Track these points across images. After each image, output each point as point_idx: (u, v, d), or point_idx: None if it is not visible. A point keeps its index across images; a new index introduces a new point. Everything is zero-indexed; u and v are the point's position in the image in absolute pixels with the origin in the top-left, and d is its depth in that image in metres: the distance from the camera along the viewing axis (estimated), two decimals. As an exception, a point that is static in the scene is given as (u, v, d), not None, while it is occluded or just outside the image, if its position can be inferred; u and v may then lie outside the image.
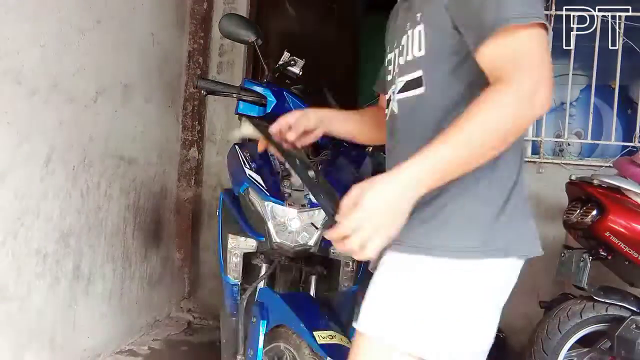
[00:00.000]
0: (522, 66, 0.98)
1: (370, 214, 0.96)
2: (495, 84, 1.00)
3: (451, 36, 1.09)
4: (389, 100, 1.27)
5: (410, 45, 1.16)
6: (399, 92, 1.21)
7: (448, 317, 1.11)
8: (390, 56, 1.28)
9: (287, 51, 1.98)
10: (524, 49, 1.00)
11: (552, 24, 3.25)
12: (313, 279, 1.81)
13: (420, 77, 1.15)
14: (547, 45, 1.04)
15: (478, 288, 1.12)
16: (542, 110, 1.00)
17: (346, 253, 1.07)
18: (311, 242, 1.70)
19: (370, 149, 2.06)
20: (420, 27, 1.14)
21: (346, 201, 0.98)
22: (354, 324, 1.17)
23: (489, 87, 1.01)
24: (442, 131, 1.00)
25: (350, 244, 0.97)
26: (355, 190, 0.98)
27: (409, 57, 1.17)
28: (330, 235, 1.00)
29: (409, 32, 1.17)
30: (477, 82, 1.06)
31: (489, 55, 1.02)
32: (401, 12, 1.26)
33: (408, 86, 1.18)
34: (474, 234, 1.10)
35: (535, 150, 3.31)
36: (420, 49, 1.14)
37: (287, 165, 1.74)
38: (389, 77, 1.28)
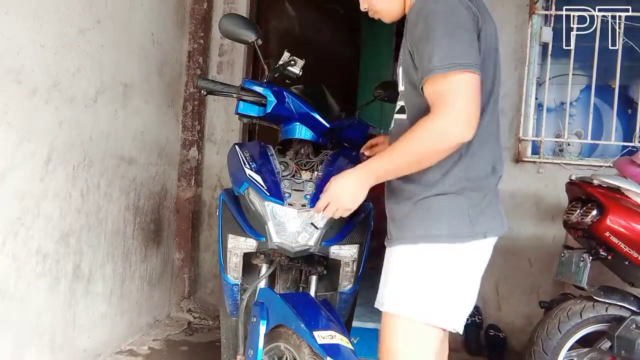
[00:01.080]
0: (442, 105, 1.33)
1: (333, 196, 1.51)
2: (427, 115, 1.37)
3: (414, 76, 1.43)
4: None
5: (399, 80, 1.54)
6: (396, 113, 1.58)
7: (449, 289, 1.47)
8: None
9: (287, 51, 1.98)
10: (443, 92, 1.34)
11: (552, 24, 3.26)
12: (313, 279, 1.81)
13: (403, 106, 1.54)
14: (467, 85, 1.33)
15: (468, 264, 1.49)
16: (457, 140, 1.34)
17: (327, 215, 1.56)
18: (311, 242, 1.69)
19: None
20: (401, 68, 1.52)
21: (325, 188, 1.55)
22: (377, 306, 1.53)
23: (423, 117, 1.37)
24: None
25: (327, 212, 1.55)
26: (330, 180, 1.54)
27: (401, 88, 1.54)
28: (314, 209, 1.60)
29: (399, 70, 1.54)
30: None
31: (425, 94, 1.38)
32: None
33: (400, 110, 1.56)
34: (462, 223, 1.45)
35: (535, 150, 3.31)
36: (402, 85, 1.52)
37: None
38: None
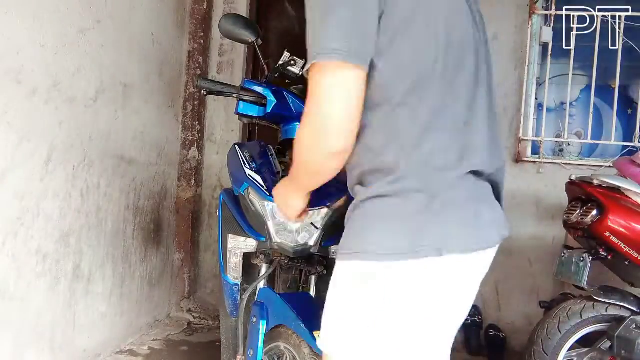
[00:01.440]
0: (306, 111, 1.09)
1: (279, 207, 1.47)
2: None
3: None
4: None
5: None
6: None
7: (388, 323, 1.10)
8: None
9: (287, 51, 1.97)
10: (310, 87, 1.07)
11: (552, 24, 3.25)
12: (313, 279, 1.81)
13: None
14: (334, 79, 1.03)
15: (412, 290, 1.09)
16: (326, 150, 1.07)
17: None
18: (311, 242, 1.69)
19: None
20: None
21: None
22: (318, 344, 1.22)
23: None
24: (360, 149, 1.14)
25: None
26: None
27: None
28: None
29: None
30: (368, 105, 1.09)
31: None
32: None
33: None
34: (400, 234, 1.07)
35: (535, 150, 3.31)
36: None
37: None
38: None
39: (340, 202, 1.69)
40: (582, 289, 2.34)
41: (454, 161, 1.10)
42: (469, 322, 3.12)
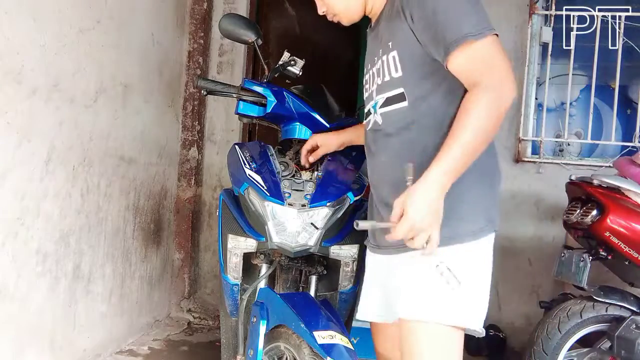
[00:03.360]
0: (485, 71, 1.25)
1: (416, 219, 1.22)
2: (471, 90, 1.27)
3: (422, 56, 1.35)
4: (368, 114, 1.52)
5: (387, 69, 1.42)
6: (381, 107, 1.46)
7: (472, 288, 1.38)
8: (367, 77, 1.54)
9: (287, 51, 1.98)
10: (484, 57, 1.27)
11: (552, 24, 3.26)
12: (313, 279, 1.81)
13: (401, 93, 1.41)
14: (500, 46, 1.29)
15: (484, 260, 1.42)
16: (511, 99, 1.26)
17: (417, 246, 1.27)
18: (311, 242, 1.69)
19: None
20: (393, 53, 1.40)
21: (393, 214, 1.26)
22: (402, 315, 1.40)
23: (467, 94, 1.28)
24: (426, 130, 1.38)
25: (416, 243, 1.25)
26: (397, 203, 1.26)
27: (387, 78, 1.43)
28: (392, 236, 1.27)
29: (384, 58, 1.43)
30: (451, 88, 1.35)
31: (457, 66, 1.29)
32: (370, 39, 1.53)
33: (389, 101, 1.44)
34: (478, 218, 1.39)
35: (535, 150, 3.31)
36: (397, 71, 1.40)
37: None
38: (366, 94, 1.54)
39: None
40: (582, 289, 2.34)
41: (496, 164, 1.50)
42: (469, 322, 3.12)
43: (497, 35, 1.29)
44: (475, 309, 1.41)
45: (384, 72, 1.44)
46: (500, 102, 1.25)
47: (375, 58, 1.48)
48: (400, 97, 1.41)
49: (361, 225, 1.32)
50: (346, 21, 1.54)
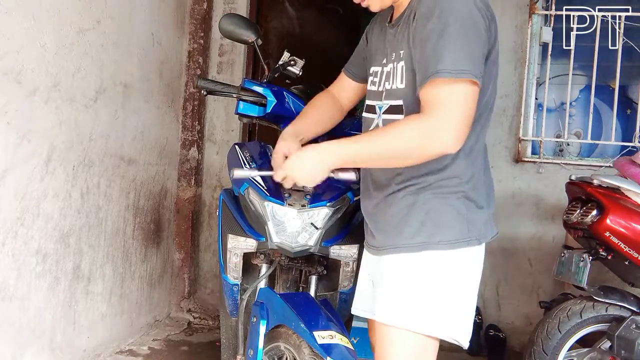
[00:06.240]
0: (437, 110, 1.26)
1: (289, 170, 1.41)
2: (418, 114, 1.30)
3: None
4: (371, 109, 1.53)
5: (395, 77, 1.44)
6: (384, 112, 1.47)
7: (450, 298, 1.40)
8: (377, 69, 1.53)
9: (287, 51, 1.98)
10: (443, 98, 1.26)
11: (552, 24, 3.25)
12: (313, 279, 1.81)
13: (401, 105, 1.42)
14: (469, 97, 1.28)
15: (465, 271, 1.43)
16: (440, 149, 1.27)
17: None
18: (311, 242, 1.69)
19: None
20: (402, 63, 1.41)
21: (276, 161, 1.54)
22: (376, 317, 1.44)
23: (413, 114, 1.32)
24: None
25: (285, 184, 1.46)
26: (290, 155, 1.45)
27: (394, 87, 1.44)
28: (275, 178, 1.47)
29: (394, 64, 1.44)
30: None
31: (423, 94, 1.30)
32: (389, 33, 1.49)
33: (392, 110, 1.45)
34: (453, 229, 1.40)
35: (535, 150, 3.31)
36: (402, 82, 1.41)
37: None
38: (374, 88, 1.54)
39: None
40: (582, 289, 2.34)
41: (478, 174, 1.47)
42: (469, 322, 3.12)
43: (475, 83, 1.27)
44: (451, 319, 1.41)
45: (393, 79, 1.45)
46: (427, 142, 1.27)
47: (389, 58, 1.47)
48: (399, 109, 1.43)
49: (236, 173, 1.50)
50: (375, 7, 1.50)
